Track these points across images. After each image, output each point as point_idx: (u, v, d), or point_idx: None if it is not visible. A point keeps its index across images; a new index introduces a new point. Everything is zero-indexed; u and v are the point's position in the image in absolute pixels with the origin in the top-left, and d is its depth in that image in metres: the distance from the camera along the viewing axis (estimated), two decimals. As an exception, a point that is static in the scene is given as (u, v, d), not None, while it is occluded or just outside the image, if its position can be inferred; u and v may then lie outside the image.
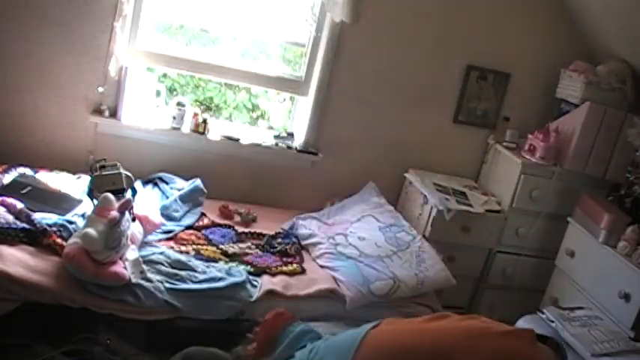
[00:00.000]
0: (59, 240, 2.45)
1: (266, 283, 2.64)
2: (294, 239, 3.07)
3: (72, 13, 3.00)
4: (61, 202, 2.75)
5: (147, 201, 2.96)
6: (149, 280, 2.43)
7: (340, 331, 2.49)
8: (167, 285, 2.45)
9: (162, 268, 2.53)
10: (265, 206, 3.39)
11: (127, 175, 2.82)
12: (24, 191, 2.71)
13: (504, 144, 3.54)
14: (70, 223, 2.58)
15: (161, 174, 3.25)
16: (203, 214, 3.10)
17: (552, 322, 2.63)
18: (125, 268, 2.40)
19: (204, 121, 3.27)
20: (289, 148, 3.43)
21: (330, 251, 2.95)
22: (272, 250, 2.94)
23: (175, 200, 3.03)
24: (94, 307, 2.32)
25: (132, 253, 2.49)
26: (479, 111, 3.65)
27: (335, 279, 2.78)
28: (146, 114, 3.22)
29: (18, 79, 3.04)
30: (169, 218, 2.94)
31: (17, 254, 2.32)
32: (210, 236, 2.94)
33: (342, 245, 3.00)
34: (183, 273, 2.54)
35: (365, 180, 3.54)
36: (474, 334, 1.80)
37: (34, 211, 2.55)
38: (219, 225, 3.06)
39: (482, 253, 3.47)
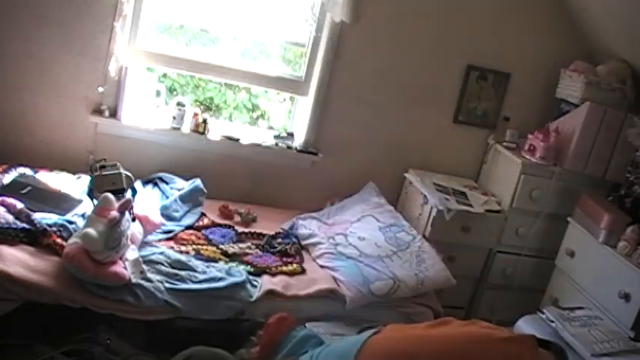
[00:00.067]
0: (59, 240, 2.45)
1: (266, 283, 2.64)
2: (294, 239, 3.07)
3: (72, 13, 3.00)
4: (61, 202, 2.75)
5: (147, 201, 2.96)
6: (149, 280, 2.43)
7: (340, 331, 2.50)
8: (167, 285, 2.45)
9: (163, 268, 2.54)
10: (265, 206, 3.39)
11: (127, 175, 2.82)
12: (24, 191, 2.71)
13: (504, 144, 3.54)
14: (70, 223, 2.58)
15: (161, 174, 3.25)
16: (203, 214, 3.10)
17: (552, 322, 2.63)
18: (125, 268, 2.40)
19: (204, 121, 3.27)
20: (289, 148, 3.43)
21: (330, 251, 2.95)
22: (272, 250, 2.94)
23: (175, 200, 3.03)
24: (94, 307, 2.32)
25: (132, 253, 2.49)
26: (479, 111, 3.65)
27: (335, 279, 2.78)
28: (146, 114, 3.22)
29: (18, 79, 3.04)
30: (169, 218, 2.94)
31: (17, 254, 2.32)
32: (210, 236, 2.94)
33: (342, 245, 3.00)
34: (183, 273, 2.54)
35: (365, 180, 3.54)
36: (476, 340, 1.79)
37: (34, 211, 2.55)
38: (219, 225, 3.06)
39: (482, 253, 3.47)
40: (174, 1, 3.22)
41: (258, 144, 3.37)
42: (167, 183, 3.21)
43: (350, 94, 3.45)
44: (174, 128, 3.24)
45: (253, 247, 2.93)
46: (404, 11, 3.37)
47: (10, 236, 2.38)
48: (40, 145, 3.16)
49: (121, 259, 2.43)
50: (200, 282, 2.51)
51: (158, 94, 3.29)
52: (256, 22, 3.29)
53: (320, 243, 3.03)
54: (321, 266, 2.89)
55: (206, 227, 3.01)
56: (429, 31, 3.44)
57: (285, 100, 3.71)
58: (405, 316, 2.77)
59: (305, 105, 3.49)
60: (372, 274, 2.77)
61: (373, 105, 3.50)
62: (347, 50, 3.37)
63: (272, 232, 3.09)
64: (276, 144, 3.42)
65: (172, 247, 2.74)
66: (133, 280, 2.38)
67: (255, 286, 2.60)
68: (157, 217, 2.79)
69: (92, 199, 2.72)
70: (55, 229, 2.50)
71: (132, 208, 2.55)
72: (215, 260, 2.72)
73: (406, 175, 3.60)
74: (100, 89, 3.13)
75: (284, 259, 2.88)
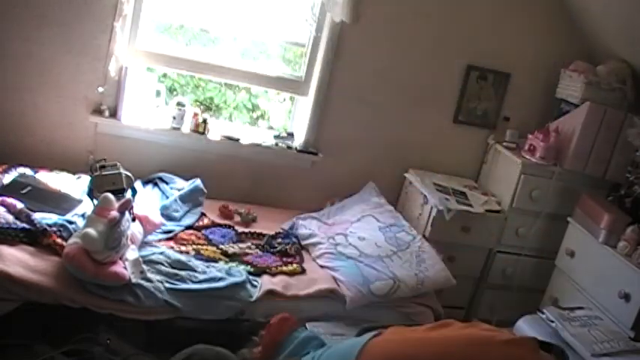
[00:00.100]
0: (59, 240, 2.45)
1: (266, 283, 2.64)
2: (294, 239, 3.07)
3: (72, 13, 3.00)
4: (61, 202, 2.75)
5: (147, 201, 2.96)
6: (149, 280, 2.43)
7: (340, 331, 2.50)
8: (167, 285, 2.45)
9: (163, 268, 2.54)
10: (265, 206, 3.39)
11: (127, 175, 2.82)
12: (24, 191, 2.71)
13: (504, 144, 3.54)
14: (70, 223, 2.58)
15: (161, 174, 3.25)
16: (203, 214, 3.10)
17: (552, 322, 2.63)
18: (125, 268, 2.40)
19: (204, 121, 3.27)
20: (289, 148, 3.43)
21: (330, 251, 2.95)
22: (272, 250, 2.94)
23: (175, 200, 3.03)
24: (94, 307, 2.32)
25: (132, 253, 2.49)
26: (479, 111, 3.65)
27: (335, 279, 2.78)
28: (146, 114, 3.22)
29: (18, 79, 3.04)
30: (169, 218, 2.94)
31: (17, 254, 2.32)
32: (210, 236, 2.94)
33: (342, 245, 3.00)
34: (183, 273, 2.54)
35: (365, 180, 3.54)
36: (477, 342, 1.79)
37: (34, 211, 2.55)
38: (219, 225, 3.06)
39: (482, 253, 3.47)
40: (174, 1, 3.22)
41: (258, 144, 3.37)
42: (167, 183, 3.21)
43: (350, 94, 3.45)
44: (174, 128, 3.24)
45: (253, 247, 2.93)
46: (404, 11, 3.37)
47: (10, 236, 2.38)
48: (40, 145, 3.16)
49: (121, 259, 2.43)
50: (200, 282, 2.51)
51: (158, 94, 3.29)
52: (256, 22, 3.29)
53: (320, 243, 3.03)
54: (321, 266, 2.89)
55: (206, 227, 3.01)
56: (429, 31, 3.44)
57: (285, 100, 3.71)
58: (405, 316, 2.76)
59: (305, 105, 3.48)
60: (372, 274, 2.77)
61: (373, 105, 3.50)
62: (347, 50, 3.37)
63: (272, 232, 3.09)
64: (276, 144, 3.42)
65: (172, 247, 2.74)
66: (133, 280, 2.38)
67: (255, 286, 2.60)
68: (157, 217, 2.79)
69: (92, 199, 2.72)
70: (55, 229, 2.50)
71: (132, 208, 2.55)
72: (215, 260, 2.72)
73: (406, 175, 3.59)
74: (100, 89, 3.13)
75: (284, 259, 2.88)
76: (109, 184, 2.74)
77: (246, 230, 3.08)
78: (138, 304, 2.36)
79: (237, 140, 3.34)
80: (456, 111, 3.62)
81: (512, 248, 3.47)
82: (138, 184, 3.02)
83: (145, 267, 2.47)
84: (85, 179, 2.90)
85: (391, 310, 2.76)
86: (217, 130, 3.35)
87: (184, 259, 2.62)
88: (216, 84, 3.63)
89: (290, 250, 2.95)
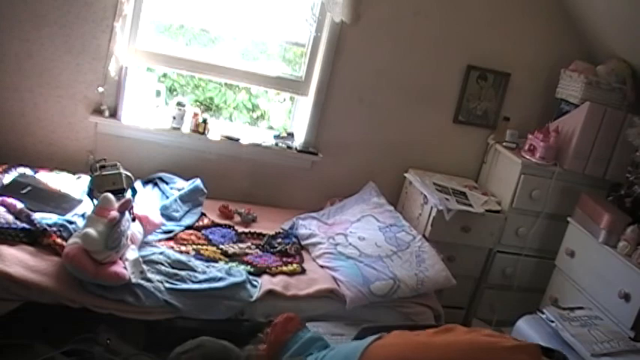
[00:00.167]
0: (59, 240, 2.45)
1: (266, 283, 2.64)
2: (294, 239, 3.07)
3: (72, 13, 3.00)
4: (61, 202, 2.75)
5: (147, 201, 2.96)
6: (149, 280, 2.43)
7: (340, 331, 2.50)
8: (167, 285, 2.45)
9: (163, 268, 2.53)
10: (265, 206, 3.39)
11: (127, 175, 2.82)
12: (24, 191, 2.71)
13: (504, 144, 3.54)
14: (70, 223, 2.58)
15: (161, 174, 3.25)
16: (203, 214, 3.10)
17: (552, 322, 2.62)
18: (125, 268, 2.40)
19: (204, 121, 3.27)
20: (289, 148, 3.43)
21: (330, 251, 2.95)
22: (272, 250, 2.94)
23: (175, 200, 3.03)
24: (94, 307, 2.32)
25: (132, 253, 2.49)
26: (479, 111, 3.65)
27: (335, 279, 2.78)
28: (146, 114, 3.22)
29: (18, 79, 3.04)
30: (169, 218, 2.94)
31: (17, 254, 2.32)
32: (210, 236, 2.94)
33: (342, 245, 3.00)
34: (183, 273, 2.54)
35: (365, 180, 3.54)
36: (480, 348, 1.79)
37: (34, 211, 2.55)
38: (219, 225, 3.06)
39: (482, 253, 3.46)
40: (174, 1, 3.22)
41: (258, 144, 3.37)
42: (167, 183, 3.21)
43: (350, 94, 3.45)
44: (174, 128, 3.24)
45: (253, 247, 2.93)
46: (404, 11, 3.37)
47: (10, 236, 2.38)
48: (40, 145, 3.16)
49: (121, 259, 2.43)
50: (200, 282, 2.51)
51: (158, 94, 3.29)
52: (256, 22, 3.29)
53: (320, 243, 3.03)
54: (321, 266, 2.89)
55: (206, 227, 3.01)
56: (429, 31, 3.44)
57: (285, 100, 3.71)
58: (405, 316, 2.77)
59: (305, 105, 3.49)
60: (372, 274, 2.77)
61: (373, 105, 3.50)
62: (347, 50, 3.37)
63: (272, 232, 3.09)
64: (276, 144, 3.42)
65: (172, 247, 2.74)
66: (133, 280, 2.38)
67: (255, 286, 2.60)
68: (157, 217, 2.79)
69: (92, 199, 2.72)
70: (55, 229, 2.50)
71: (132, 208, 2.55)
72: (215, 260, 2.72)
73: (406, 175, 3.59)
74: (100, 89, 3.13)
75: (284, 259, 2.88)
76: (109, 184, 2.74)
77: (246, 230, 3.08)
78: (138, 304, 2.36)
79: (237, 140, 3.34)
80: (456, 111, 3.62)
81: (513, 248, 3.47)
82: (138, 184, 3.02)
83: (145, 267, 2.47)
84: (85, 179, 2.90)
85: (391, 310, 2.76)
86: (217, 130, 3.35)
87: (184, 259, 2.62)
88: (216, 84, 3.63)
89: (290, 250, 2.95)
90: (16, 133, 3.11)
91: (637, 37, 3.17)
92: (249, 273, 2.66)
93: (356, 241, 3.03)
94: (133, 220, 2.59)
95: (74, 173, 3.05)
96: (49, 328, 2.29)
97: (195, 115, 3.26)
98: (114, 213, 2.39)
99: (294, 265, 2.83)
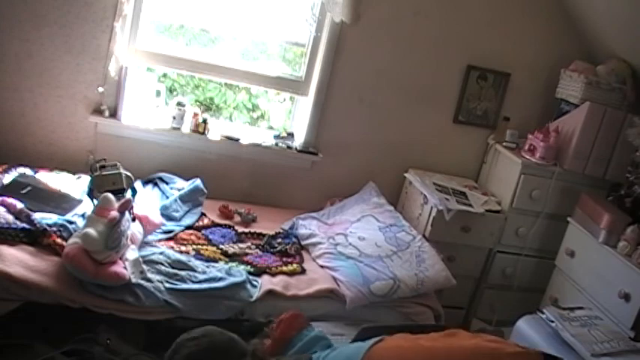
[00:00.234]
0: (59, 240, 2.45)
1: (266, 283, 2.64)
2: (294, 239, 3.07)
3: (72, 13, 3.00)
4: (61, 202, 2.75)
5: (147, 201, 2.96)
6: (149, 280, 2.43)
7: (340, 331, 2.50)
8: (167, 285, 2.45)
9: (162, 268, 2.53)
10: (265, 206, 3.39)
11: (127, 175, 2.82)
12: (24, 191, 2.71)
13: (504, 144, 3.54)
14: (70, 223, 2.58)
15: (161, 174, 3.25)
16: (203, 214, 3.10)
17: (552, 322, 2.62)
18: (125, 268, 2.40)
19: (204, 121, 3.27)
20: (289, 148, 3.43)
21: (330, 251, 2.95)
22: (272, 250, 2.94)
23: (175, 200, 3.03)
24: (94, 307, 2.32)
25: (132, 253, 2.49)
26: (479, 111, 3.65)
27: (335, 279, 2.78)
28: (146, 114, 3.22)
29: (18, 79, 3.04)
30: (169, 218, 2.94)
31: (17, 254, 2.32)
32: (210, 236, 2.94)
33: (342, 245, 3.00)
34: (183, 273, 2.53)
35: (365, 180, 3.54)
36: (483, 354, 1.78)
37: (34, 211, 2.55)
38: (219, 225, 3.06)
39: (482, 253, 3.46)
40: (174, 1, 3.22)
41: (258, 144, 3.37)
42: (167, 183, 3.21)
43: (350, 94, 3.45)
44: (174, 128, 3.23)
45: (253, 247, 2.93)
46: (404, 11, 3.37)
47: (10, 236, 2.38)
48: (40, 145, 3.16)
49: (121, 259, 2.43)
50: (200, 282, 2.51)
51: (158, 94, 3.29)
52: (256, 22, 3.29)
53: (320, 243, 3.03)
54: (321, 266, 2.89)
55: (206, 227, 3.01)
56: (429, 31, 3.44)
57: (285, 100, 3.71)
58: (405, 316, 2.77)
59: (305, 105, 3.49)
60: (372, 274, 2.77)
61: (373, 105, 3.50)
62: (347, 50, 3.37)
63: (272, 232, 3.09)
64: (276, 144, 3.42)
65: (172, 247, 2.74)
66: (133, 280, 2.38)
67: (255, 286, 2.60)
68: (157, 217, 2.79)
69: (92, 199, 2.72)
70: (55, 229, 2.50)
71: (132, 208, 2.55)
72: (215, 260, 2.72)
73: (406, 175, 3.59)
74: (100, 89, 3.13)
75: (284, 259, 2.88)
76: (109, 184, 2.74)
77: (246, 230, 3.08)
78: (138, 304, 2.35)
79: (237, 140, 3.34)
80: (456, 111, 3.62)
81: (513, 248, 3.47)
82: (138, 184, 3.02)
83: (145, 267, 2.47)
84: (85, 179, 2.90)
85: (391, 310, 2.77)
86: (217, 130, 3.35)
87: (184, 259, 2.62)
88: (216, 84, 3.63)
89: (290, 250, 2.95)
90: (16, 133, 3.11)
91: (637, 37, 3.17)
92: (249, 273, 2.66)
93: (356, 241, 3.03)
94: (133, 220, 2.59)
95: (74, 173, 3.04)
96: (49, 328, 2.29)
97: (195, 115, 3.26)
98: (114, 213, 2.39)
99: (294, 265, 2.83)
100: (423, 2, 3.38)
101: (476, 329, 3.36)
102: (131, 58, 3.17)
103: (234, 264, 2.72)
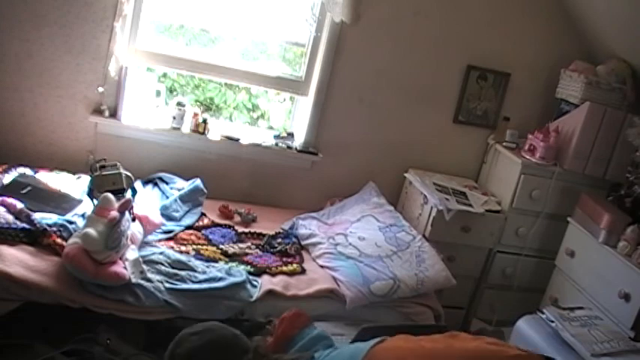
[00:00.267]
0: (59, 240, 2.45)
1: (266, 283, 2.64)
2: (294, 239, 3.07)
3: (72, 13, 3.00)
4: (61, 202, 2.75)
5: (147, 201, 2.96)
6: (149, 280, 2.43)
7: (340, 331, 2.50)
8: (167, 285, 2.45)
9: (162, 268, 2.53)
10: (265, 206, 3.39)
11: (127, 175, 2.82)
12: (24, 191, 2.71)
13: (504, 144, 3.54)
14: (70, 223, 2.58)
15: (161, 174, 3.25)
16: (203, 214, 3.10)
17: (552, 322, 2.63)
18: (125, 268, 2.40)
19: (204, 121, 3.27)
20: (289, 148, 3.43)
21: (330, 251, 2.95)
22: (272, 250, 2.94)
23: (175, 200, 3.03)
24: (94, 307, 2.32)
25: (132, 253, 2.49)
26: (479, 111, 3.65)
27: (335, 279, 2.78)
28: (146, 114, 3.22)
29: (18, 79, 3.04)
30: (169, 218, 2.94)
31: (17, 254, 2.32)
32: (210, 236, 2.94)
33: (342, 245, 3.00)
34: (183, 273, 2.53)
35: (365, 180, 3.54)
36: (484, 357, 1.78)
37: (34, 211, 2.55)
38: (219, 225, 3.06)
39: (482, 253, 3.46)
40: (174, 1, 3.22)
41: (258, 144, 3.37)
42: (167, 183, 3.21)
43: (350, 94, 3.45)
44: (174, 128, 3.24)
45: (253, 247, 2.93)
46: (404, 11, 3.37)
47: (10, 236, 2.38)
48: (40, 145, 3.16)
49: (121, 259, 2.43)
50: (200, 282, 2.51)
51: (158, 94, 3.29)
52: (256, 22, 3.29)
53: (320, 243, 3.03)
54: (321, 266, 2.89)
55: (206, 227, 3.01)
56: (429, 31, 3.44)
57: (285, 100, 3.71)
58: (405, 316, 2.77)
59: (305, 105, 3.49)
60: (372, 274, 2.77)
61: (373, 105, 3.50)
62: (347, 50, 3.37)
63: (272, 232, 3.09)
64: (276, 144, 3.42)
65: (172, 247, 2.74)
66: (133, 280, 2.38)
67: (255, 286, 2.60)
68: (157, 217, 2.79)
69: (92, 199, 2.72)
70: (55, 229, 2.50)
71: (132, 208, 2.55)
72: (215, 260, 2.72)
73: (406, 175, 3.59)
74: (100, 89, 3.13)
75: (284, 259, 2.88)
76: (109, 184, 2.74)
77: (246, 230, 3.08)
78: (138, 304, 2.35)
79: (237, 140, 3.34)
80: (456, 111, 3.62)
81: (513, 248, 3.47)
82: (138, 184, 3.02)
83: (145, 267, 2.47)
84: (85, 179, 2.90)
85: (391, 310, 2.77)
86: (217, 130, 3.35)
87: (184, 259, 2.62)
88: (216, 84, 3.63)
89: (290, 250, 2.95)
90: (16, 133, 3.11)
91: (637, 37, 3.17)
92: (249, 273, 2.66)
93: (356, 241, 3.03)
94: (133, 220, 2.59)
95: (74, 173, 3.04)
96: (49, 328, 2.29)
97: (195, 115, 3.26)
98: (114, 213, 2.39)
99: (294, 265, 2.83)
100: (423, 2, 3.38)
101: (476, 329, 3.37)
102: (131, 58, 3.17)
103: (234, 264, 2.72)
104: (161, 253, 2.62)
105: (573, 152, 3.29)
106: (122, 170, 2.83)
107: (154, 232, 2.76)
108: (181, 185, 3.16)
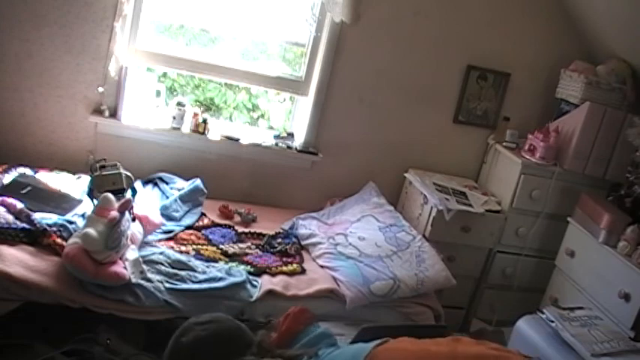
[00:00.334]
0: (59, 240, 2.45)
1: (266, 283, 2.64)
2: (294, 239, 3.07)
3: (72, 13, 3.00)
4: (61, 202, 2.75)
5: (147, 201, 2.96)
6: (149, 280, 2.43)
7: (340, 331, 2.49)
8: (167, 285, 2.45)
9: (162, 268, 2.53)
10: (265, 206, 3.39)
11: (127, 175, 2.82)
12: (24, 191, 2.71)
13: (504, 144, 3.54)
14: (70, 223, 2.58)
15: (161, 174, 3.25)
16: (203, 214, 3.10)
17: (552, 322, 2.62)
18: (125, 268, 2.40)
19: (204, 121, 3.27)
20: (289, 148, 3.43)
21: (330, 251, 2.95)
22: (272, 250, 2.94)
23: (175, 200, 3.03)
24: (94, 307, 2.32)
25: (132, 253, 2.49)
26: (479, 111, 3.65)
27: (335, 279, 2.78)
28: (146, 114, 3.22)
29: (18, 79, 3.04)
30: (169, 218, 2.94)
31: (17, 254, 2.32)
32: (210, 236, 2.94)
33: (342, 245, 3.00)
34: (183, 273, 2.53)
35: (365, 180, 3.54)
36: None
37: (34, 211, 2.55)
38: (219, 225, 3.06)
39: (482, 253, 3.46)
40: (174, 1, 3.22)
41: (258, 144, 3.37)
42: (167, 183, 3.21)
43: (350, 94, 3.45)
44: (174, 128, 3.24)
45: (253, 247, 2.93)
46: (404, 11, 3.37)
47: (10, 236, 2.38)
48: (40, 145, 3.16)
49: (121, 259, 2.43)
50: (200, 282, 2.51)
51: (158, 94, 3.29)
52: (256, 22, 3.29)
53: (320, 243, 3.03)
54: (321, 266, 2.89)
55: (206, 227, 3.01)
56: (429, 31, 3.44)
57: (285, 100, 3.71)
58: (405, 316, 2.77)
59: (305, 105, 3.49)
60: (372, 274, 2.77)
61: (373, 105, 3.50)
62: (347, 50, 3.37)
63: (272, 232, 3.09)
64: (276, 144, 3.42)
65: (172, 247, 2.74)
66: (133, 280, 2.38)
67: (255, 286, 2.60)
68: (157, 217, 2.79)
69: (92, 199, 2.72)
70: (55, 229, 2.50)
71: (132, 208, 2.55)
72: (215, 260, 2.72)
73: (406, 175, 3.59)
74: (100, 89, 3.13)
75: (284, 259, 2.88)
76: (109, 184, 2.74)
77: (246, 230, 3.08)
78: (138, 304, 2.35)
79: (237, 140, 3.34)
80: (456, 111, 3.62)
81: (513, 248, 3.47)
82: (138, 184, 3.02)
83: (145, 267, 2.47)
84: (85, 179, 2.90)
85: (391, 310, 2.77)
86: (217, 130, 3.35)
87: (184, 259, 2.62)
88: (216, 84, 3.63)
89: (290, 250, 2.95)
90: (16, 133, 3.11)
91: (637, 37, 3.17)
92: (249, 273, 2.66)
93: (356, 241, 3.03)
94: (133, 220, 2.59)
95: (74, 173, 3.04)
96: (49, 328, 2.29)
97: (195, 115, 3.26)
98: (114, 213, 2.39)
99: (294, 265, 2.83)
100: (423, 2, 3.38)
101: (476, 329, 3.37)
102: (131, 58, 3.17)
103: (234, 264, 2.72)
104: (161, 253, 2.62)
105: (573, 152, 3.29)
106: (122, 170, 2.83)
107: (154, 232, 2.76)
108: (181, 185, 3.16)
